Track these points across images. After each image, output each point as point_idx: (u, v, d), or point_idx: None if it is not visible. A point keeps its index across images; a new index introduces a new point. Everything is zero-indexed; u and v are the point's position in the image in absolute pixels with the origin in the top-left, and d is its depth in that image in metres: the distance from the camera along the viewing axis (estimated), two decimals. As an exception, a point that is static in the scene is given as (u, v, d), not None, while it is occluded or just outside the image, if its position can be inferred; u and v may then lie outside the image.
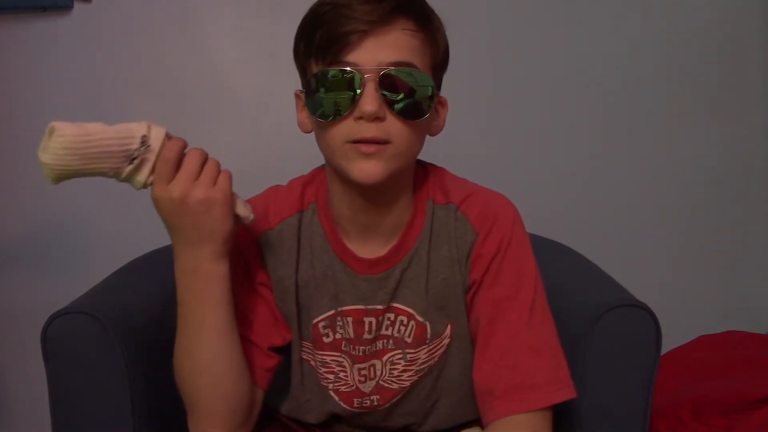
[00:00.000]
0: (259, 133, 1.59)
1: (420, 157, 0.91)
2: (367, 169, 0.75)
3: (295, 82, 0.84)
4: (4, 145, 1.56)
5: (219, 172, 0.75)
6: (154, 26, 1.56)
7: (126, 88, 1.57)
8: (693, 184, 1.66)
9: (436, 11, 0.82)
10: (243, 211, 0.78)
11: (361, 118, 0.74)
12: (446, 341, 0.88)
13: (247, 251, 0.87)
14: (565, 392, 0.78)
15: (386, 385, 0.89)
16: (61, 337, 0.88)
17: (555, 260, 1.08)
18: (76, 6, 1.53)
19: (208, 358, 0.78)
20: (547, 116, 1.62)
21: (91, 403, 0.88)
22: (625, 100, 1.63)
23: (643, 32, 1.62)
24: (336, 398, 0.91)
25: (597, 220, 1.64)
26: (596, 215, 1.64)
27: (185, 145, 0.75)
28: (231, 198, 0.75)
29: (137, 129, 0.73)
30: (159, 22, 1.56)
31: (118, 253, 1.20)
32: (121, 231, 1.57)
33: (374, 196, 0.82)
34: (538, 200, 1.59)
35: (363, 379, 0.89)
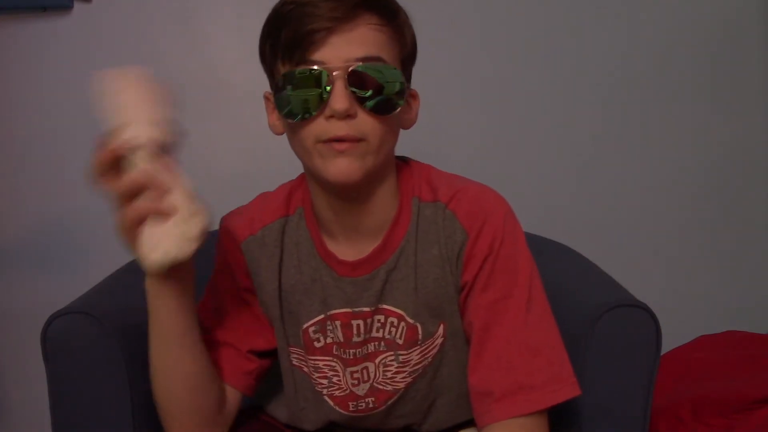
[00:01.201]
0: (259, 133, 1.57)
1: (416, 155, 0.90)
2: (343, 168, 0.74)
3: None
4: (4, 145, 1.56)
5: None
6: (154, 26, 1.56)
7: (126, 88, 1.57)
8: (693, 183, 1.66)
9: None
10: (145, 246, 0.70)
11: (332, 116, 0.73)
12: (439, 341, 0.87)
13: (231, 257, 0.88)
14: (567, 391, 0.76)
15: (380, 387, 0.88)
16: (61, 338, 0.88)
17: (555, 260, 1.07)
18: (76, 6, 1.53)
19: (160, 365, 0.80)
20: (546, 115, 1.62)
21: (91, 403, 0.88)
22: (625, 100, 1.63)
23: (643, 31, 1.62)
24: (331, 403, 0.90)
25: (597, 220, 1.64)
26: (596, 215, 1.64)
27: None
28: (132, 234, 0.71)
29: (132, 126, 0.71)
30: (159, 22, 1.56)
31: (118, 253, 1.19)
32: (121, 231, 1.57)
33: (351, 195, 0.81)
34: (538, 200, 1.59)
35: (356, 382, 0.88)
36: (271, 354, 0.91)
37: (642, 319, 0.86)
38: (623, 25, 1.61)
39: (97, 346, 0.88)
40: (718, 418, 1.22)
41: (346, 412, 0.90)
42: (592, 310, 0.87)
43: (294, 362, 0.91)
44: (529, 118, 1.62)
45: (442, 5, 1.37)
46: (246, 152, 1.59)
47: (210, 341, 0.86)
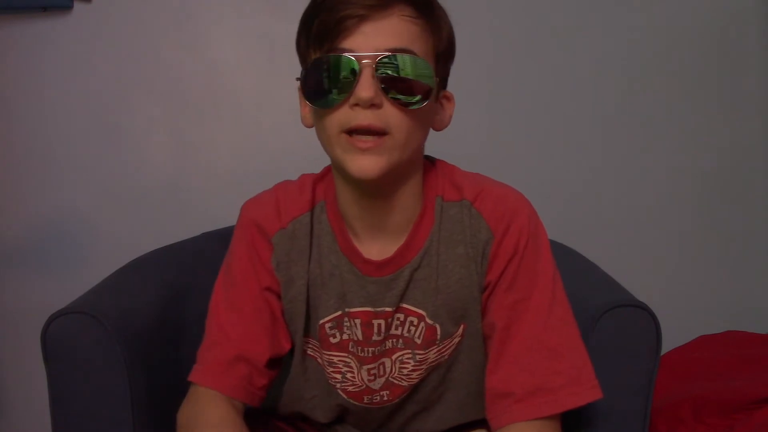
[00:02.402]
0: (259, 133, 1.59)
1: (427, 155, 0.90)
2: (365, 164, 0.73)
3: (294, 82, 0.83)
4: (4, 145, 1.56)
5: None
6: (154, 26, 1.56)
7: (126, 88, 1.57)
8: (693, 184, 1.66)
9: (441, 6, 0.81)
10: None
11: (357, 104, 0.72)
12: (456, 340, 0.87)
13: (257, 251, 0.85)
14: (588, 394, 0.76)
15: (396, 382, 0.88)
16: (60, 338, 0.88)
17: (556, 260, 1.07)
18: (76, 6, 1.53)
19: None
20: (547, 116, 1.62)
21: (91, 403, 0.88)
22: (625, 101, 1.63)
23: (643, 33, 1.62)
24: (344, 396, 0.90)
25: (597, 221, 1.64)
26: (596, 215, 1.64)
27: None
28: None
29: None
30: (159, 22, 1.56)
31: (118, 253, 1.20)
32: (121, 231, 1.57)
33: (376, 191, 0.80)
34: (539, 200, 1.58)
35: (372, 378, 0.88)
36: (280, 362, 0.89)
37: (642, 319, 0.87)
38: (624, 28, 1.61)
39: (97, 346, 0.88)
40: (718, 418, 1.22)
41: (359, 404, 0.90)
42: (592, 310, 0.87)
43: (308, 352, 0.90)
44: (529, 120, 1.62)
45: (448, 4, 1.37)
46: (245, 152, 1.59)
47: (228, 352, 0.82)
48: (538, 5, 1.59)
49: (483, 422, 0.88)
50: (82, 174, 1.58)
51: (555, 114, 1.62)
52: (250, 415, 0.92)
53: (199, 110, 1.58)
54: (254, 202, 0.89)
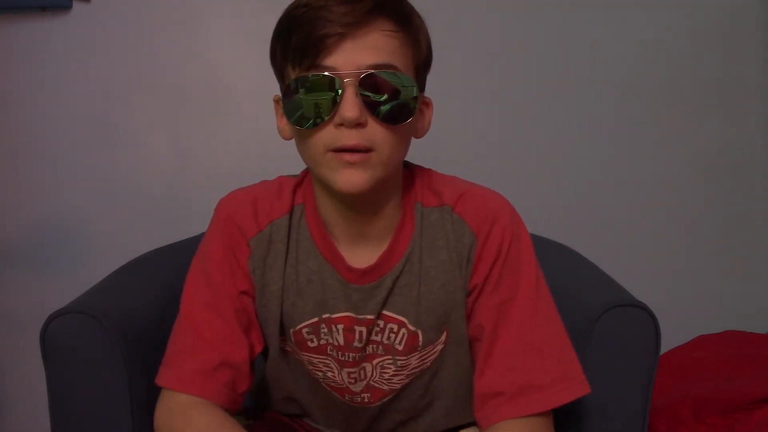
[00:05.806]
0: (258, 134, 1.58)
1: (417, 158, 0.90)
2: (351, 179, 0.72)
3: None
4: (3, 145, 1.56)
5: None
6: (154, 26, 1.56)
7: (125, 88, 1.57)
8: (693, 183, 1.66)
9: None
10: None
11: (341, 124, 0.71)
12: (440, 347, 0.86)
13: (235, 253, 0.83)
14: (576, 389, 0.76)
15: (376, 385, 0.88)
16: (60, 337, 0.88)
17: (555, 260, 1.07)
18: (75, 6, 1.53)
19: None
20: (547, 116, 1.62)
21: (90, 403, 0.88)
22: (625, 100, 1.63)
23: (643, 32, 1.62)
24: (327, 389, 0.90)
25: (597, 220, 1.64)
26: (596, 215, 1.64)
27: None
28: None
29: None
30: (158, 22, 1.56)
31: (118, 253, 1.20)
32: (121, 231, 1.57)
33: (360, 204, 0.80)
34: (538, 200, 1.59)
35: (353, 381, 0.88)
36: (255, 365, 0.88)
37: (641, 318, 0.86)
38: (624, 27, 1.61)
39: (96, 345, 0.88)
40: (718, 418, 1.22)
41: (343, 400, 0.90)
42: (591, 309, 0.87)
43: (286, 348, 0.89)
44: (528, 120, 1.62)
45: (444, 5, 1.37)
46: (245, 152, 1.59)
47: (212, 357, 0.79)
48: (538, 4, 1.59)
49: (473, 424, 0.88)
50: (81, 174, 1.58)
51: (555, 114, 1.62)
52: (254, 415, 0.93)
53: (198, 110, 1.59)
54: (231, 201, 0.86)
